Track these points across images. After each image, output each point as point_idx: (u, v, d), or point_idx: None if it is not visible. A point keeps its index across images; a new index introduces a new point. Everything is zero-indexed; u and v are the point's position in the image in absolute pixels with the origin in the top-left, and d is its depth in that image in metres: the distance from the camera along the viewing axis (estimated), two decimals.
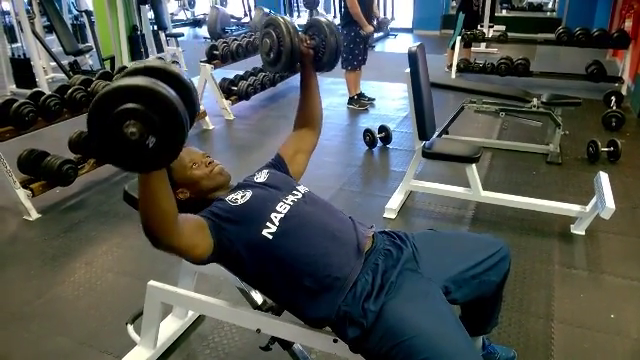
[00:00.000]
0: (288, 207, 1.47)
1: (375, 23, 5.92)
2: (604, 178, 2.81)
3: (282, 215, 1.44)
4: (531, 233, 2.91)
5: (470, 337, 1.35)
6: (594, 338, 2.11)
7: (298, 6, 12.72)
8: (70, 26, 7.57)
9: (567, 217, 2.94)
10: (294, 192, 1.55)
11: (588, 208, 2.82)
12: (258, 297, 1.78)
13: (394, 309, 1.29)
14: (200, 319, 2.23)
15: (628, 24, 6.38)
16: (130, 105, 0.94)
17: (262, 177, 1.63)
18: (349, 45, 5.20)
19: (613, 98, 5.08)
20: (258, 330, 1.61)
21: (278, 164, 1.74)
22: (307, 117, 1.82)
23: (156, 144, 0.97)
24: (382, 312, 1.29)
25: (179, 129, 0.98)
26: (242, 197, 1.49)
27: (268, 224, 1.41)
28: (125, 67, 4.22)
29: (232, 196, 1.50)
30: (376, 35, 9.00)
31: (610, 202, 2.59)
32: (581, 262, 2.65)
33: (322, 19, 1.75)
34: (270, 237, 1.40)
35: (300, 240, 1.41)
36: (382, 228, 1.59)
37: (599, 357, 2.02)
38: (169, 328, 2.10)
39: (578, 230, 2.88)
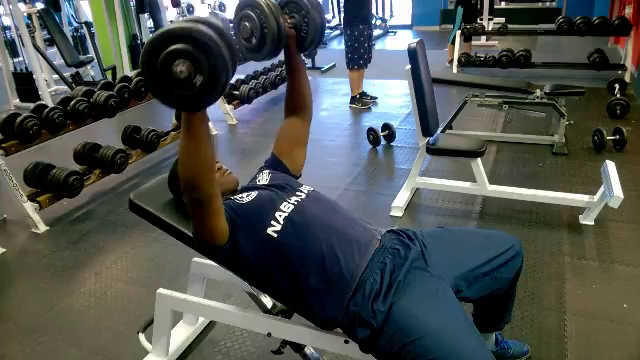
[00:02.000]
0: (292, 206, 1.47)
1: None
2: (611, 167, 2.79)
3: (286, 214, 1.44)
4: (540, 225, 2.89)
5: (481, 334, 1.34)
6: (608, 329, 2.10)
7: None
8: (70, 38, 7.62)
9: (575, 208, 2.92)
10: (298, 192, 1.56)
11: (596, 198, 2.80)
12: (268, 301, 1.78)
13: (403, 309, 1.29)
14: (211, 325, 2.23)
15: (628, 11, 6.33)
16: (179, 46, 1.04)
17: (264, 179, 1.63)
18: (353, 44, 5.20)
19: (617, 85, 5.04)
20: (269, 334, 1.60)
21: (276, 164, 1.71)
22: (297, 101, 1.74)
23: (203, 82, 1.06)
24: (391, 312, 1.29)
25: (224, 70, 1.07)
26: (248, 196, 1.50)
27: (273, 222, 1.42)
28: (127, 77, 4.23)
29: (238, 195, 1.52)
30: (376, 33, 8.99)
31: (618, 190, 2.57)
32: (591, 252, 2.63)
33: None
34: (275, 235, 1.41)
35: (305, 238, 1.41)
36: (390, 227, 1.58)
37: (613, 348, 2.00)
38: (180, 335, 2.10)
39: (587, 220, 2.86)
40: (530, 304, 2.25)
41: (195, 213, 1.37)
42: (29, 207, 3.14)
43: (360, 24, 5.10)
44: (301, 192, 1.56)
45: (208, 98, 1.11)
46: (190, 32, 1.04)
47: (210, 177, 1.28)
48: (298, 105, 1.74)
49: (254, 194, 1.51)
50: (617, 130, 3.84)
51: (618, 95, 4.81)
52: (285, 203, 1.48)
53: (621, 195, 2.54)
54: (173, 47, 1.04)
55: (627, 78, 5.56)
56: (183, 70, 1.04)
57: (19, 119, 3.14)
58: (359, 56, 5.23)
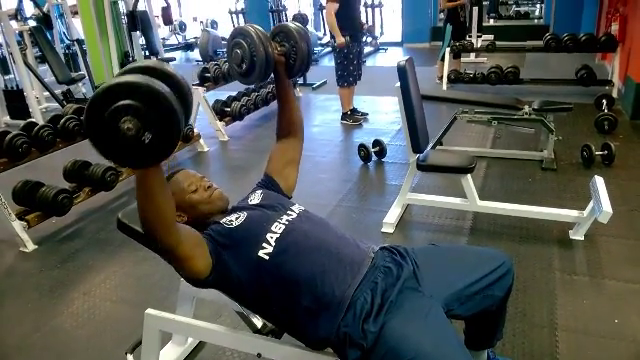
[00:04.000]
0: (283, 227, 1.47)
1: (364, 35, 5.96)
2: (600, 182, 2.81)
3: (278, 235, 1.44)
4: (530, 241, 2.90)
5: (473, 352, 1.34)
6: (599, 344, 2.10)
7: None
8: (62, 55, 7.61)
9: (565, 223, 2.93)
10: (289, 212, 1.55)
11: (585, 213, 2.81)
12: (258, 321, 1.77)
13: (394, 329, 1.28)
14: (201, 345, 2.20)
15: (615, 27, 6.43)
16: (126, 102, 0.98)
17: (256, 199, 1.63)
18: (343, 62, 5.23)
19: (604, 101, 5.10)
20: (259, 354, 1.59)
21: (269, 184, 1.73)
22: (288, 125, 1.81)
23: (152, 140, 1.01)
24: (382, 332, 1.28)
25: (174, 125, 1.01)
26: (237, 219, 1.49)
27: (264, 245, 1.42)
28: None
29: (227, 218, 1.51)
30: (366, 50, 9.07)
31: (607, 206, 2.58)
32: (582, 268, 2.64)
33: (291, 24, 1.72)
34: (267, 257, 1.40)
35: (297, 259, 1.40)
36: (381, 243, 1.58)
37: None
38: (169, 356, 2.07)
39: (577, 235, 2.87)
40: (521, 320, 2.24)
41: (165, 258, 1.37)
42: (17, 226, 3.11)
43: (351, 40, 5.14)
44: (292, 212, 1.56)
45: (158, 155, 1.07)
46: (137, 86, 0.99)
47: (168, 229, 1.25)
48: (289, 129, 1.81)
49: (243, 216, 1.50)
50: (605, 145, 3.88)
51: (606, 111, 4.87)
52: (276, 224, 1.48)
53: (610, 210, 2.56)
54: (120, 103, 0.99)
55: (614, 94, 5.63)
56: (131, 127, 0.99)
57: (8, 137, 3.13)
58: (349, 73, 5.27)
